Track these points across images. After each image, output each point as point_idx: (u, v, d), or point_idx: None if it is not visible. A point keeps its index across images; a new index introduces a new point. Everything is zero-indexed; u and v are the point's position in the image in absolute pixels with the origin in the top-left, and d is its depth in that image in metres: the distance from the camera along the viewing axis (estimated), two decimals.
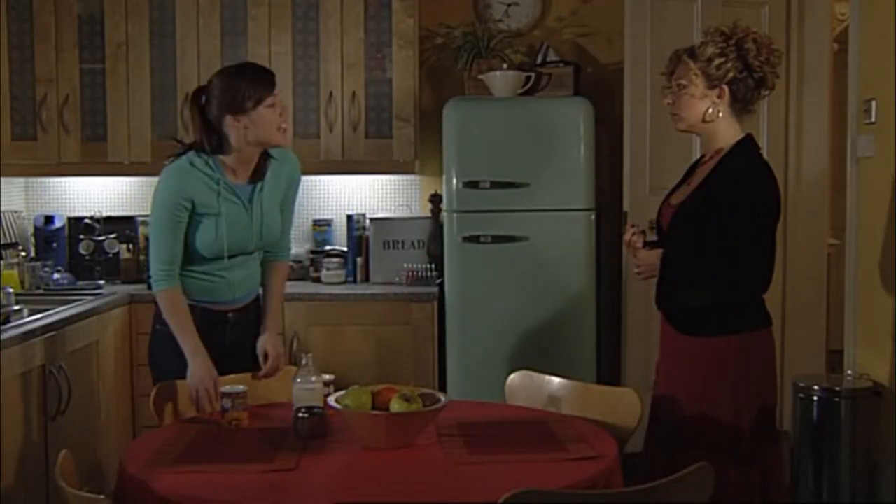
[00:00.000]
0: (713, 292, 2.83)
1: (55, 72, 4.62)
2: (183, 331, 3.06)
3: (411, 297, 4.44)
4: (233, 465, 2.38)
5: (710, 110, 2.85)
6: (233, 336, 3.24)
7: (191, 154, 3.09)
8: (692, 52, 2.86)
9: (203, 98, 3.09)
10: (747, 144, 2.87)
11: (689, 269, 2.85)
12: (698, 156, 3.09)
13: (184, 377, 3.01)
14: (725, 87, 2.83)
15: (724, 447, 2.79)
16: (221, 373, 3.04)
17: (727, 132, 2.87)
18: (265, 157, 3.16)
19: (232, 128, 3.02)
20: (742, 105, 2.86)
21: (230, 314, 3.23)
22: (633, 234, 2.96)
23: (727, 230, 2.75)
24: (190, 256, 3.12)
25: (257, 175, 3.15)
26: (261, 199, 3.16)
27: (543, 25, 5.01)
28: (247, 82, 3.02)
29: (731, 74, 2.81)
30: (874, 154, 4.14)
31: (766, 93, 2.89)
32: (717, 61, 2.80)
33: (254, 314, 3.31)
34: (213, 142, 3.06)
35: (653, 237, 3.06)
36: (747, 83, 2.82)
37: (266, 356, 3.18)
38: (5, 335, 3.29)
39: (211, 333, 3.14)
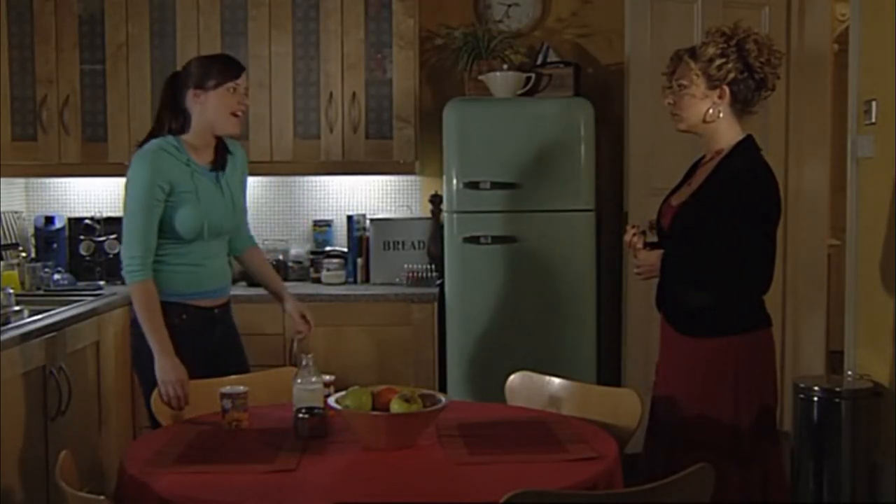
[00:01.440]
0: (713, 293, 2.83)
1: (55, 72, 4.62)
2: (155, 325, 3.06)
3: (412, 298, 4.44)
4: (233, 466, 2.38)
5: (711, 111, 2.85)
6: (219, 335, 3.30)
7: (157, 140, 3.18)
8: (693, 53, 2.86)
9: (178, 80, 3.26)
10: (748, 145, 2.87)
11: (690, 269, 2.85)
12: (698, 156, 3.09)
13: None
14: (726, 88, 2.83)
15: (724, 448, 2.79)
16: (212, 374, 3.07)
17: (728, 133, 2.87)
18: (224, 148, 3.30)
19: (193, 103, 3.19)
20: (743, 106, 2.87)
21: (216, 310, 3.28)
22: (634, 234, 2.96)
23: (727, 230, 2.75)
24: (173, 246, 3.16)
25: (218, 164, 3.27)
26: (226, 180, 3.28)
27: (544, 26, 5.01)
28: (216, 65, 3.22)
29: (731, 75, 2.81)
30: (874, 154, 4.14)
31: (767, 94, 2.89)
32: (717, 62, 2.80)
33: (230, 314, 3.38)
34: (178, 120, 3.22)
35: (653, 238, 3.06)
36: (748, 84, 2.82)
37: (302, 316, 3.36)
38: (5, 336, 3.29)
39: (200, 333, 3.19)
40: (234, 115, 3.20)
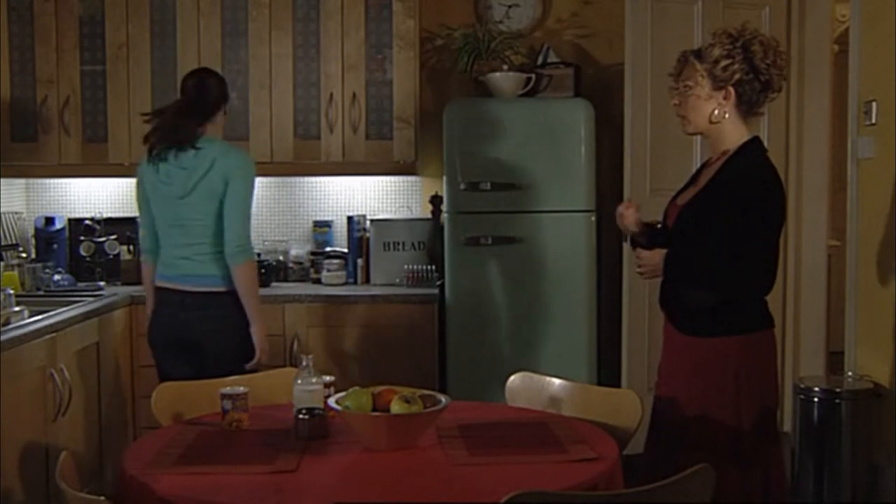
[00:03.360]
0: (714, 293, 2.82)
1: (56, 73, 4.63)
2: (258, 298, 3.56)
3: (412, 299, 4.44)
4: (233, 467, 2.38)
5: (717, 111, 2.84)
6: None
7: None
8: (699, 54, 2.86)
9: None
10: (753, 146, 2.86)
11: (691, 269, 2.85)
12: (699, 157, 3.10)
13: None
14: (731, 89, 2.82)
15: (724, 448, 2.78)
16: None
17: (733, 134, 2.86)
18: None
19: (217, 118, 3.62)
20: (748, 107, 2.85)
21: None
22: (629, 207, 2.97)
23: (730, 231, 2.74)
24: None
25: None
26: None
27: (544, 27, 5.01)
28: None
29: (737, 76, 2.80)
30: (874, 155, 4.14)
31: (773, 95, 2.88)
32: (723, 63, 2.80)
33: None
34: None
35: (658, 219, 3.04)
36: (753, 85, 2.82)
37: None
38: (6, 336, 3.29)
39: None
40: None
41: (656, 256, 2.89)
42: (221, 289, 3.46)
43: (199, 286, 3.47)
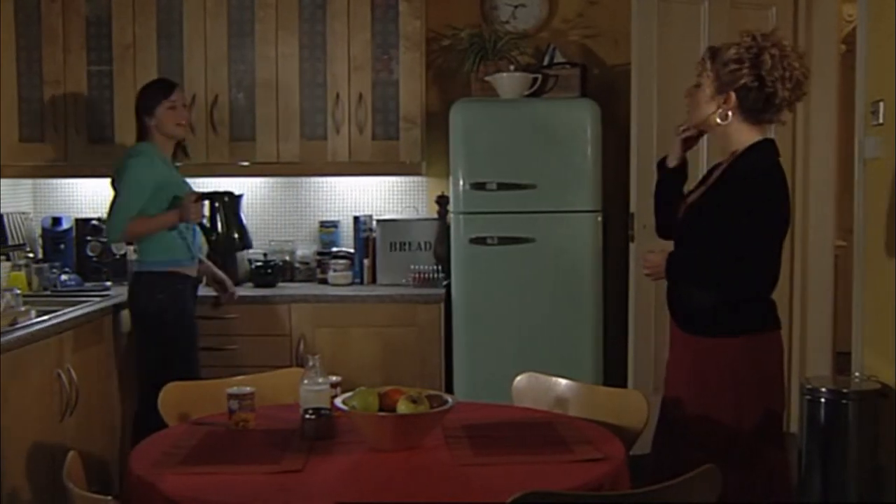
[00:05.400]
0: (715, 293, 2.81)
1: (63, 73, 4.64)
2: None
3: (418, 299, 4.44)
4: (240, 467, 2.39)
5: (718, 115, 2.82)
6: None
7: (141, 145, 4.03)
8: (714, 52, 2.83)
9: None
10: (761, 147, 2.82)
11: (692, 269, 2.84)
12: (706, 157, 3.09)
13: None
14: (732, 94, 2.79)
15: (723, 449, 2.77)
16: None
17: (741, 135, 2.83)
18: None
19: (148, 123, 4.03)
20: (751, 114, 2.81)
21: None
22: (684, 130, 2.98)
23: (734, 231, 2.73)
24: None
25: (175, 160, 4.14)
26: None
27: (550, 27, 5.01)
28: (151, 91, 4.02)
29: (741, 81, 2.76)
30: (881, 155, 4.13)
31: (783, 112, 2.81)
32: (731, 66, 2.76)
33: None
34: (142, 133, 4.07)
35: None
36: (758, 95, 2.76)
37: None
38: (13, 336, 3.30)
39: None
40: (179, 124, 4.03)
41: (659, 257, 2.88)
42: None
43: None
